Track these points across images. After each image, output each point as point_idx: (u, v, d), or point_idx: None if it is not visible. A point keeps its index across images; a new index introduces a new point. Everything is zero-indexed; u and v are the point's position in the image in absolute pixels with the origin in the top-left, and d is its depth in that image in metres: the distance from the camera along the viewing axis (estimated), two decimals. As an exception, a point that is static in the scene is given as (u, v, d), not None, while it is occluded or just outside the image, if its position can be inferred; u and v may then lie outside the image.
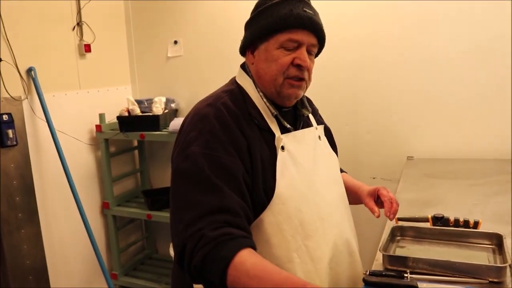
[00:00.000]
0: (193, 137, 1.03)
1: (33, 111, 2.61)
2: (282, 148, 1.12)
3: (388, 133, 2.63)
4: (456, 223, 1.40)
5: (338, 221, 1.21)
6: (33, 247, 2.62)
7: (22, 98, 2.54)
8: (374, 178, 2.67)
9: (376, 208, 1.28)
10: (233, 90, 1.16)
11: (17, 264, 2.53)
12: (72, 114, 2.89)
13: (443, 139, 2.52)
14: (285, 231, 1.07)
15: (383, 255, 1.21)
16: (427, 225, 1.42)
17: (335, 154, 1.36)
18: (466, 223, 1.39)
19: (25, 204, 2.57)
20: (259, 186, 1.05)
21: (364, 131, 2.69)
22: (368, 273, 1.15)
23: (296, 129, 1.22)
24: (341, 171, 1.49)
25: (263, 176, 1.06)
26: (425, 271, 1.16)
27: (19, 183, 2.53)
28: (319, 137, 1.29)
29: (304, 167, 1.15)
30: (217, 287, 0.90)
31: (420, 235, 1.37)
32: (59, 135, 2.67)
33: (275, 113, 1.15)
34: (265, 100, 1.15)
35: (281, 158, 1.11)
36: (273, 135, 1.12)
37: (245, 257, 0.90)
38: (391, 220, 1.26)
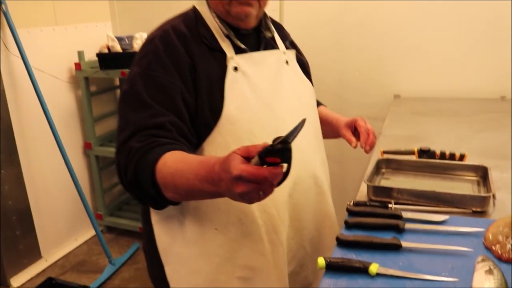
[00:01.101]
0: (137, 59, 1.04)
1: (6, 47, 2.48)
2: (235, 69, 1.07)
3: (375, 71, 2.60)
4: (442, 156, 1.39)
5: (304, 151, 1.14)
6: (15, 188, 2.59)
7: (-6, 33, 2.41)
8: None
9: (353, 139, 1.26)
10: (188, 13, 1.15)
11: (-1, 204, 2.51)
12: (50, 51, 2.77)
13: (430, 77, 2.49)
14: None
15: (367, 186, 1.20)
16: (413, 158, 1.41)
17: (309, 83, 1.29)
18: (452, 156, 1.38)
19: (4, 145, 2.51)
20: (205, 106, 1.01)
21: (352, 69, 2.64)
22: (352, 203, 1.14)
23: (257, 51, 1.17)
24: (319, 104, 1.45)
25: (209, 95, 1.02)
26: (409, 202, 1.16)
27: (-4, 123, 2.46)
28: (287, 61, 1.21)
29: (261, 89, 1.09)
30: (157, 199, 0.92)
31: (405, 168, 1.36)
32: (36, 73, 2.56)
33: (227, 33, 1.11)
34: (217, 20, 1.11)
35: (232, 78, 1.05)
36: (225, 55, 1.07)
37: (168, 157, 0.89)
38: (367, 153, 1.22)
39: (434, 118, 2.05)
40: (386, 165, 1.38)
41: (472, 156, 1.41)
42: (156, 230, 1.11)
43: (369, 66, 2.60)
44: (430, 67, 2.48)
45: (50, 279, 2.45)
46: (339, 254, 0.93)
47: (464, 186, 1.25)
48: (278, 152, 0.72)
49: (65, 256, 2.94)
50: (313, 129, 1.22)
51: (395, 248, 0.93)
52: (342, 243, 0.96)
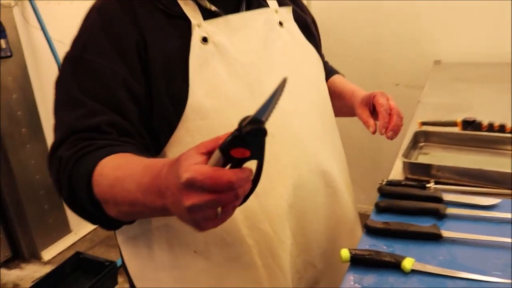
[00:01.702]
0: (74, 38, 0.79)
1: (25, 19, 2.41)
2: (204, 40, 0.78)
3: (413, 35, 2.38)
4: (490, 127, 1.21)
5: (306, 141, 0.86)
6: (41, 162, 2.56)
7: (12, 4, 2.33)
8: (397, 84, 2.47)
9: (370, 121, 0.96)
10: None
11: (26, 179, 2.49)
12: (69, 24, 2.68)
13: (475, 40, 2.28)
14: None
15: (403, 162, 1.05)
16: (456, 130, 1.25)
17: (314, 49, 0.98)
18: (501, 128, 1.20)
19: (28, 119, 2.47)
20: (162, 95, 0.75)
21: (387, 32, 2.43)
22: (384, 182, 1.00)
23: (237, 12, 0.85)
24: (332, 73, 1.16)
25: (168, 80, 0.75)
26: (451, 181, 1.01)
27: (19, 97, 2.42)
28: (280, 23, 0.91)
29: (243, 65, 0.81)
30: (102, 219, 0.69)
31: (447, 141, 1.19)
32: (57, 45, 2.49)
33: None
34: None
35: (200, 53, 0.77)
36: (189, 22, 0.78)
37: (105, 163, 0.66)
38: (389, 138, 0.92)
39: (480, 85, 1.85)
40: (424, 138, 1.22)
41: (525, 127, 1.22)
42: (123, 252, 0.89)
43: (407, 28, 2.38)
44: (475, 28, 2.25)
45: (77, 254, 2.45)
46: (366, 244, 0.80)
47: (517, 163, 1.09)
48: (247, 140, 0.49)
49: (94, 230, 2.93)
50: (319, 109, 0.93)
51: (435, 238, 0.79)
52: (371, 230, 0.83)
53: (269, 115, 0.51)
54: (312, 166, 0.86)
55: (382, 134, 0.92)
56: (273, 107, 0.51)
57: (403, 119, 0.94)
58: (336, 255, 0.75)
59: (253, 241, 0.78)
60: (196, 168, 0.50)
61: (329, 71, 1.14)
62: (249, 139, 0.49)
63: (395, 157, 1.15)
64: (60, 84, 0.77)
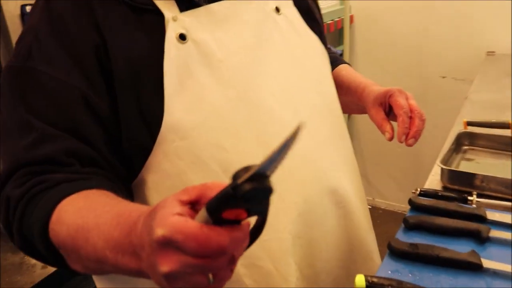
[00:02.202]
0: (17, 42, 0.64)
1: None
2: (182, 37, 0.62)
3: (464, 22, 2.20)
4: (549, 132, 1.05)
5: (311, 157, 0.71)
6: None
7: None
8: (443, 77, 2.29)
9: (386, 126, 0.80)
10: None
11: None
12: None
13: (536, 30, 2.05)
14: (192, 184, 0.52)
15: (442, 169, 0.91)
16: (508, 133, 1.08)
17: (318, 39, 0.81)
18: None
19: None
20: (131, 112, 0.60)
21: (434, 19, 2.24)
22: (418, 192, 0.86)
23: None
24: (336, 61, 0.97)
25: (136, 92, 0.60)
26: (498, 194, 0.86)
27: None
28: (277, 9, 0.74)
29: (230, 66, 0.65)
30: (65, 267, 0.56)
31: (496, 146, 1.04)
32: None
33: None
34: None
35: (176, 55, 0.62)
36: (162, 17, 0.62)
37: (65, 207, 0.53)
38: (409, 145, 0.78)
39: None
40: (469, 140, 1.07)
41: None
42: (98, 285, 0.74)
43: (457, 14, 2.20)
44: (536, 16, 2.03)
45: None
46: (388, 269, 0.67)
47: None
48: (245, 200, 0.37)
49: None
50: (325, 114, 0.77)
51: (473, 268, 0.65)
52: (395, 252, 0.70)
53: (275, 168, 0.38)
54: (320, 186, 0.71)
55: (401, 142, 0.78)
56: (282, 158, 0.39)
57: (425, 122, 0.79)
58: (350, 283, 0.63)
59: (251, 281, 0.65)
60: (173, 222, 0.38)
61: (334, 60, 0.95)
62: (247, 199, 0.37)
63: (431, 160, 1.00)
64: (1, 102, 0.62)
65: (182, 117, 0.61)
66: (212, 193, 0.39)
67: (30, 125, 0.58)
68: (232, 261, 0.40)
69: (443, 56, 2.29)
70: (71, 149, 0.58)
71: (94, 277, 0.74)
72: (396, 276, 0.65)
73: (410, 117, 0.78)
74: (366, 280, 0.62)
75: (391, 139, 0.80)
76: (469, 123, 1.14)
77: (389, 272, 0.66)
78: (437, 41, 2.28)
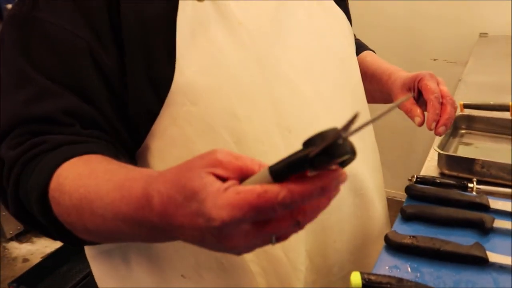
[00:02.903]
0: None
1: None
2: None
3: (456, 4, 2.14)
4: (551, 114, 1.00)
5: None
6: None
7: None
8: (435, 60, 2.24)
9: (417, 110, 0.75)
10: None
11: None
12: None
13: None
14: (200, 154, 0.55)
15: (439, 154, 0.86)
16: (507, 115, 1.03)
17: (345, 17, 0.76)
18: None
19: None
20: (139, 73, 0.55)
21: (424, 1, 2.20)
22: (415, 179, 0.81)
23: None
24: (362, 48, 0.93)
25: (146, 51, 0.55)
26: (500, 181, 0.80)
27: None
28: None
29: (251, 31, 0.60)
30: (68, 239, 0.54)
31: (495, 129, 0.99)
32: None
33: None
34: None
35: (192, 15, 0.57)
36: None
37: (64, 173, 0.49)
38: (439, 134, 0.73)
39: (534, 62, 1.61)
40: (467, 124, 1.02)
41: None
42: (93, 269, 0.71)
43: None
44: (530, -4, 1.99)
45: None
46: (386, 265, 0.62)
47: None
48: (322, 161, 0.34)
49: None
50: (348, 95, 0.72)
51: (478, 262, 0.60)
52: (393, 246, 0.64)
53: (351, 134, 0.35)
54: None
55: (431, 130, 0.72)
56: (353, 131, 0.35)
57: (456, 110, 0.74)
58: None
59: (259, 268, 0.60)
60: (228, 201, 0.35)
61: (358, 46, 0.89)
62: (323, 161, 0.34)
63: (432, 142, 0.95)
64: (1, 54, 0.57)
65: (195, 79, 0.56)
66: (253, 172, 0.37)
67: (29, 78, 0.53)
68: (298, 224, 0.38)
69: (434, 39, 2.23)
70: (72, 108, 0.53)
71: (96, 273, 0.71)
72: (395, 272, 0.60)
73: (441, 103, 0.72)
74: (363, 278, 0.56)
75: (421, 123, 0.73)
76: (466, 106, 1.09)
77: (387, 267, 0.61)
78: (428, 23, 2.23)
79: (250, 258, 0.59)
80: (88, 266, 0.71)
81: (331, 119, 0.64)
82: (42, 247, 2.47)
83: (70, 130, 0.53)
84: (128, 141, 0.58)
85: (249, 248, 0.40)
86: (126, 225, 0.45)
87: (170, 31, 0.56)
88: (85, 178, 0.48)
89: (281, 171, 0.35)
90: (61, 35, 0.54)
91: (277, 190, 0.35)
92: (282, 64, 0.61)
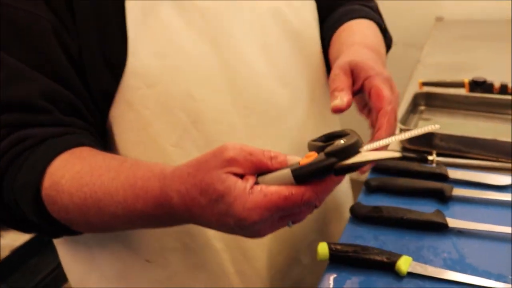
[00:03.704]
0: None
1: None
2: None
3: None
4: (503, 89, 1.04)
5: (288, 112, 0.65)
6: None
7: None
8: (394, 43, 2.26)
9: (347, 96, 0.52)
10: None
11: None
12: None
13: (482, -5, 2.06)
14: (159, 136, 0.56)
15: (400, 129, 0.88)
16: (463, 91, 1.07)
17: None
18: (516, 90, 1.03)
19: None
20: (94, 54, 0.53)
21: (385, -16, 2.22)
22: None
23: None
24: (349, 15, 0.73)
25: (99, 34, 0.53)
26: (458, 153, 0.83)
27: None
28: None
29: (204, 10, 0.58)
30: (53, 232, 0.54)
31: (452, 105, 1.01)
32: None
33: None
34: None
35: None
36: None
37: (57, 171, 0.48)
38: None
39: (487, 43, 1.66)
40: (426, 101, 1.04)
41: (543, 90, 1.05)
42: (60, 254, 0.69)
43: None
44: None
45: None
46: (351, 236, 0.63)
47: (535, 132, 0.92)
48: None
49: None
50: (307, 73, 0.69)
51: (439, 228, 0.62)
52: (358, 217, 0.66)
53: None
54: (290, 143, 0.65)
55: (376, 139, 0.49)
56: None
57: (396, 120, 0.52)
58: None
59: (222, 245, 0.61)
60: (255, 203, 0.38)
61: (346, 13, 0.72)
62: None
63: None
64: None
65: (149, 62, 0.54)
66: (266, 166, 0.40)
67: (0, 61, 0.50)
68: (313, 209, 0.42)
69: (394, 23, 2.24)
70: (48, 91, 0.51)
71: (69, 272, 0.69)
72: (360, 242, 0.61)
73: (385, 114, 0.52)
74: (330, 248, 0.57)
75: (338, 110, 0.51)
76: (425, 84, 1.12)
77: (353, 238, 0.62)
78: (386, 8, 2.25)
79: (214, 235, 0.60)
80: (57, 258, 0.69)
81: (287, 94, 0.64)
82: (11, 240, 2.39)
83: (50, 118, 0.51)
84: (99, 128, 0.57)
85: (271, 232, 0.43)
86: (141, 219, 0.47)
87: (122, 13, 0.54)
88: (87, 176, 0.47)
89: (305, 177, 0.38)
90: (25, 18, 0.51)
91: (302, 192, 0.38)
92: (237, 42, 0.60)
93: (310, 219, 0.66)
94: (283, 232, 0.61)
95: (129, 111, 0.55)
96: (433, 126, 0.42)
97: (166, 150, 0.56)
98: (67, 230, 0.52)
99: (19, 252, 2.04)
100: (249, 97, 0.60)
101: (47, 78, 0.51)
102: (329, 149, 0.38)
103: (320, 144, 0.42)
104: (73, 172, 0.48)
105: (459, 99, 1.02)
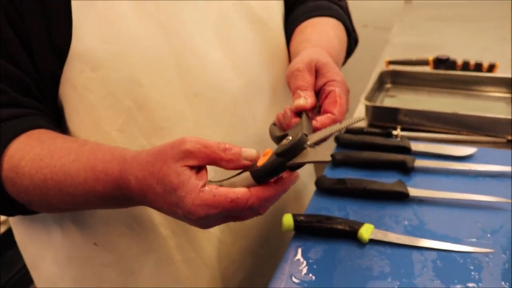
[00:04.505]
0: None
1: None
2: None
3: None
4: (465, 66, 1.07)
5: (242, 100, 0.63)
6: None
7: None
8: (365, 26, 2.28)
9: (311, 97, 0.50)
10: None
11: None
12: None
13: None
14: (102, 121, 0.56)
15: (366, 106, 0.89)
16: (427, 69, 1.09)
17: None
18: (478, 67, 1.06)
19: None
20: (40, 37, 0.52)
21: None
22: (344, 130, 0.84)
23: None
24: (318, 11, 0.71)
25: (44, 17, 0.52)
26: (421, 128, 0.86)
27: None
28: None
29: None
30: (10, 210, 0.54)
31: (416, 82, 1.04)
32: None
33: None
34: None
35: None
36: None
37: (16, 153, 0.49)
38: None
39: (454, 24, 1.69)
40: (391, 78, 1.06)
41: (504, 67, 1.08)
42: (16, 233, 0.68)
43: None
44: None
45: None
46: (316, 206, 0.64)
47: (495, 106, 0.95)
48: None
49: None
50: (269, 59, 0.67)
51: (400, 197, 0.64)
52: (323, 189, 0.67)
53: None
54: (246, 133, 0.64)
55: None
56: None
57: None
58: (285, 233, 0.59)
59: (169, 231, 0.60)
60: (205, 201, 0.41)
61: (312, 9, 0.71)
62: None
63: (355, 100, 0.98)
64: None
65: (94, 46, 0.53)
66: (220, 157, 0.42)
67: None
68: (257, 214, 0.44)
69: (364, 6, 2.28)
70: (3, 71, 0.50)
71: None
72: (325, 213, 0.62)
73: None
74: (294, 220, 0.59)
75: (301, 110, 0.49)
76: (391, 62, 1.14)
77: (317, 210, 0.64)
78: (357, -10, 2.28)
79: (160, 222, 0.60)
80: (15, 267, 0.69)
81: (242, 84, 0.63)
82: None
83: (6, 98, 0.51)
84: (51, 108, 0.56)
85: (215, 226, 0.45)
86: (99, 200, 0.49)
87: None
88: (47, 159, 0.48)
89: (262, 177, 0.42)
90: None
91: (247, 197, 0.41)
92: (188, 29, 0.59)
93: (267, 212, 0.67)
94: (235, 225, 0.63)
95: (74, 94, 0.54)
96: (361, 116, 0.46)
97: (110, 134, 0.55)
98: (24, 209, 0.52)
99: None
100: (199, 85, 0.59)
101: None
102: (278, 149, 0.42)
103: (278, 134, 0.48)
104: (33, 154, 0.49)
105: (424, 76, 1.04)
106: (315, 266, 0.54)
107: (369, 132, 0.84)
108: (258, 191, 0.42)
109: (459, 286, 0.50)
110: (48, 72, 0.53)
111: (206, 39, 0.60)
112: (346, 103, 0.50)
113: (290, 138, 0.42)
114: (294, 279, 0.53)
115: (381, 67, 1.16)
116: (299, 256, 0.56)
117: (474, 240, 0.56)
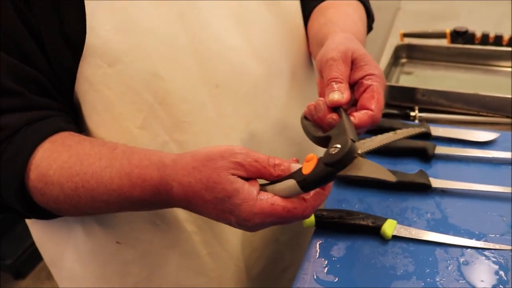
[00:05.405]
0: None
1: None
2: None
3: None
4: (485, 39, 1.03)
5: (263, 89, 0.61)
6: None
7: None
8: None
9: (344, 92, 0.47)
10: None
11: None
12: None
13: None
14: (123, 118, 0.53)
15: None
16: (444, 42, 1.05)
17: None
18: (498, 40, 1.02)
19: None
20: (53, 32, 0.48)
21: None
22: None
23: None
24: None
25: (56, 10, 0.48)
26: (440, 108, 0.83)
27: None
28: None
29: None
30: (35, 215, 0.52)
31: (433, 57, 1.00)
32: None
33: None
34: None
35: None
36: None
37: (45, 165, 0.47)
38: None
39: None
40: (407, 53, 1.03)
41: (524, 38, 1.04)
42: (33, 232, 0.66)
43: None
44: None
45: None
46: (336, 199, 0.63)
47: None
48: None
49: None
50: (288, 42, 0.64)
51: (422, 189, 0.62)
52: (341, 179, 0.66)
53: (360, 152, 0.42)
54: (272, 123, 0.63)
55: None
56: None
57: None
58: (301, 222, 0.58)
59: (194, 227, 0.59)
60: (262, 209, 0.41)
61: None
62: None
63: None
64: None
65: (110, 38, 0.49)
66: (269, 173, 0.42)
67: None
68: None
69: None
70: (17, 71, 0.47)
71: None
72: (345, 205, 0.61)
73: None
74: (315, 215, 0.57)
75: (336, 104, 0.46)
76: (406, 35, 1.10)
77: (336, 202, 0.62)
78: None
79: (185, 218, 0.58)
80: (25, 242, 0.67)
81: (263, 71, 0.60)
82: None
83: (22, 101, 0.48)
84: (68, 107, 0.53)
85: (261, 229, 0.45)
86: (134, 205, 0.48)
87: None
88: (77, 166, 0.46)
89: (310, 187, 0.41)
90: None
91: (304, 208, 0.42)
92: (206, 16, 0.55)
93: None
94: None
95: (91, 91, 0.51)
96: (420, 129, 0.50)
97: (131, 132, 0.53)
98: (51, 215, 0.51)
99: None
100: (220, 74, 0.56)
101: (10, 56, 0.47)
102: (327, 159, 0.40)
103: (316, 133, 0.46)
104: (61, 162, 0.46)
105: (441, 50, 1.01)
106: (338, 265, 0.53)
107: (386, 113, 0.81)
108: (313, 202, 0.42)
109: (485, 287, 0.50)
110: (63, 69, 0.50)
111: (224, 25, 0.57)
112: (384, 99, 0.48)
113: (339, 146, 0.39)
114: (317, 279, 0.52)
115: (395, 39, 1.12)
116: (321, 254, 0.55)
117: (498, 236, 0.55)
